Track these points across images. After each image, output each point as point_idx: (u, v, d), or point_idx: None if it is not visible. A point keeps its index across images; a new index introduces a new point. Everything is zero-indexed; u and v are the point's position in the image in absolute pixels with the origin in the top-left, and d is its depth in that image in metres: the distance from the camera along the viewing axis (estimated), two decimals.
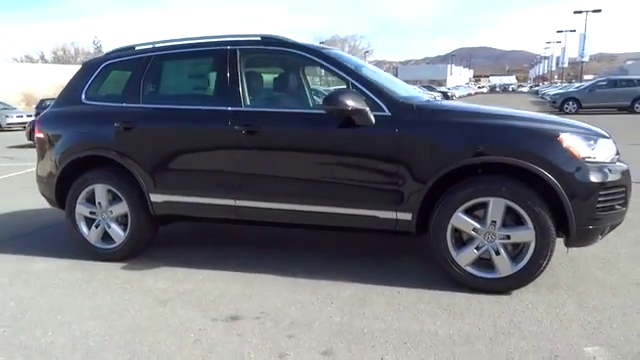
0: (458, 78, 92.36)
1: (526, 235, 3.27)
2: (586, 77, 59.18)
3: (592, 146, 3.34)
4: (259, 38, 4.00)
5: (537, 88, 60.42)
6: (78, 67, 4.66)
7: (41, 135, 4.45)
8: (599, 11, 43.58)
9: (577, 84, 36.72)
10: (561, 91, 28.73)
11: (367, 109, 3.43)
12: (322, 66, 3.83)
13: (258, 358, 2.66)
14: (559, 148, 3.23)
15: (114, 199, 4.21)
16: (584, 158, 3.25)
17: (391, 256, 4.20)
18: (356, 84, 3.61)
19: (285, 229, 4.39)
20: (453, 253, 3.43)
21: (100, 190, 4.19)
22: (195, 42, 4.14)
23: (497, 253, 3.34)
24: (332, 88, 4.67)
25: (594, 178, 3.22)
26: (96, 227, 4.25)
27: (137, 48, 4.38)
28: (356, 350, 2.71)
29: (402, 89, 4.01)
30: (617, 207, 3.35)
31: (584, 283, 3.55)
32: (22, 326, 3.14)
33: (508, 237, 3.32)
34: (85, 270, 4.08)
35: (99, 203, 4.21)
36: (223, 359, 2.67)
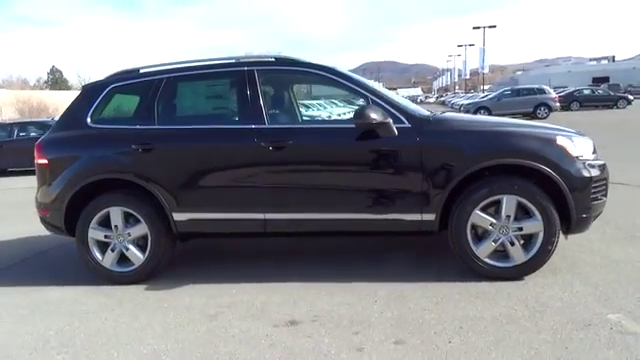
0: None
1: (535, 226, 3.75)
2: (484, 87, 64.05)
3: (579, 146, 3.90)
4: (273, 59, 4.22)
5: (443, 98, 64.39)
6: None
7: (44, 161, 4.32)
8: (494, 27, 47.54)
9: (481, 94, 39.80)
10: (472, 101, 31.07)
11: (391, 121, 3.77)
12: (338, 83, 4.13)
13: (339, 354, 2.87)
14: (558, 149, 3.76)
15: (130, 221, 4.19)
16: (577, 157, 3.80)
17: (403, 255, 4.54)
18: (375, 99, 3.93)
19: (286, 239, 4.59)
20: (473, 247, 3.83)
21: (116, 213, 4.15)
22: (209, 64, 4.27)
23: (512, 244, 3.78)
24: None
25: (586, 173, 3.77)
26: (112, 251, 4.20)
27: (142, 71, 4.41)
28: (423, 338, 3.00)
29: (409, 103, 4.40)
30: (601, 197, 3.93)
31: (577, 266, 4.09)
32: (77, 351, 3.11)
33: (520, 229, 3.78)
34: (106, 295, 4.02)
35: (115, 226, 4.16)
36: (307, 358, 2.84)
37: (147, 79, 4.30)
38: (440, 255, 4.42)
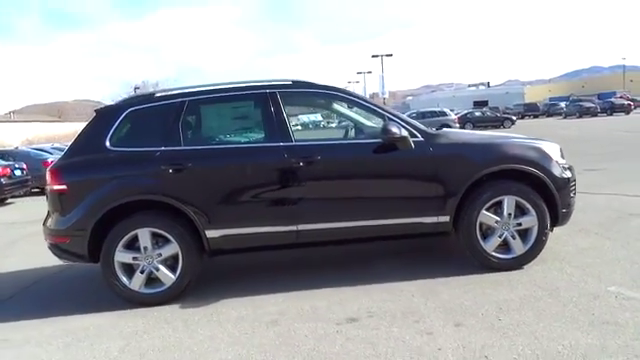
0: None
1: (531, 221, 4.39)
2: None
3: (554, 151, 4.64)
4: (290, 82, 4.56)
5: (345, 124, 67.01)
6: None
7: (62, 187, 4.22)
8: (391, 55, 50.73)
9: None
10: None
11: (408, 135, 4.26)
12: (355, 103, 4.58)
13: (414, 338, 3.23)
14: (544, 155, 4.47)
15: (158, 241, 4.24)
16: (556, 161, 4.54)
17: (411, 257, 5.00)
18: (392, 117, 4.41)
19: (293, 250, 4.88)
20: (482, 243, 4.39)
21: (144, 234, 4.18)
22: (231, 87, 4.49)
23: (513, 238, 4.40)
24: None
25: (565, 174, 4.52)
26: (141, 273, 4.21)
27: (158, 95, 4.52)
28: (476, 319, 3.46)
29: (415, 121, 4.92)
30: (574, 195, 4.71)
31: (558, 254, 4.79)
32: None
33: (520, 224, 4.40)
34: (144, 316, 4.03)
35: (144, 247, 4.19)
36: (389, 345, 3.17)
37: (168, 102, 4.40)
38: (443, 254, 4.95)
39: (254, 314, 3.87)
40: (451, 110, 40.47)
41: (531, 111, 55.74)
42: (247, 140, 4.48)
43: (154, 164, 4.19)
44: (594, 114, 43.87)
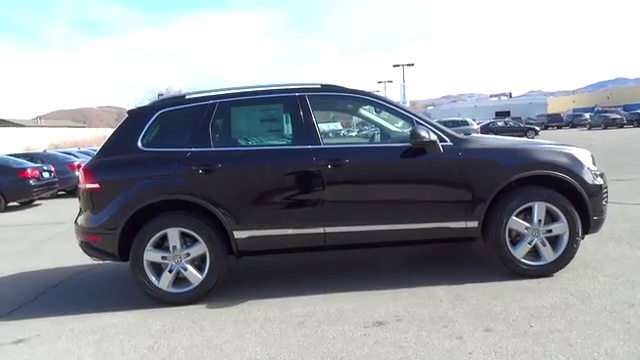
0: None
1: (562, 228, 4.32)
2: None
3: (585, 158, 4.57)
4: (319, 86, 4.58)
5: (366, 132, 67.01)
6: None
7: (95, 185, 4.30)
8: (412, 65, 50.65)
9: None
10: None
11: (437, 140, 4.24)
12: (384, 107, 4.58)
13: (443, 343, 3.19)
14: (576, 161, 4.40)
15: (187, 241, 4.28)
16: (588, 167, 4.47)
17: (438, 260, 4.96)
18: (420, 122, 4.39)
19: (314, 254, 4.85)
20: (511, 249, 4.33)
21: (173, 234, 4.23)
22: (261, 89, 4.54)
23: (543, 245, 4.33)
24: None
25: (598, 181, 4.44)
26: (169, 272, 4.25)
27: (189, 97, 4.59)
28: (507, 325, 3.40)
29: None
30: (606, 202, 4.62)
31: (589, 263, 4.69)
32: None
33: (550, 231, 4.33)
34: (170, 315, 4.06)
35: (173, 247, 4.23)
36: (418, 349, 3.14)
37: (198, 104, 4.46)
38: (471, 259, 4.89)
39: (281, 315, 3.87)
40: (473, 120, 40.24)
41: (555, 122, 55.05)
42: (276, 142, 4.52)
43: (184, 165, 4.25)
44: (620, 125, 43.06)
